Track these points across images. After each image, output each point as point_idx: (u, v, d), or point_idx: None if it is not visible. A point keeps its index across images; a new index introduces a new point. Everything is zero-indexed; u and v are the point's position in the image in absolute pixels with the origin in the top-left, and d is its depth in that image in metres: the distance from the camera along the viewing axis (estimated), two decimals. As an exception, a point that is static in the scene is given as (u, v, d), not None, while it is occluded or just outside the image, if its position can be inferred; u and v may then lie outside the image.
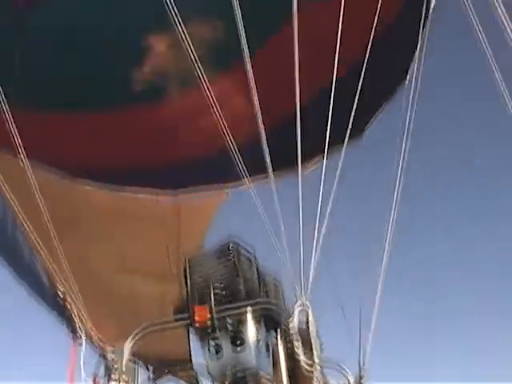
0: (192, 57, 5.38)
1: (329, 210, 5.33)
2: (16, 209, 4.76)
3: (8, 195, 4.79)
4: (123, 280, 5.78)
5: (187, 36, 5.32)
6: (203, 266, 5.14)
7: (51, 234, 4.74)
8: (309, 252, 5.10)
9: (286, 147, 5.73)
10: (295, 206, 5.29)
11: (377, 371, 5.87)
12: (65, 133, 6.90)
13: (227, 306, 4.80)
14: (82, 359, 4.66)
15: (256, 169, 5.61)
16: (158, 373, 4.81)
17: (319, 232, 5.14)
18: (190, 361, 5.69)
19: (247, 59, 5.34)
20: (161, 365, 5.63)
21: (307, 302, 5.04)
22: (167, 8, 5.00)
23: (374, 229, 6.39)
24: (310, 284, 5.04)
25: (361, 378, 5.78)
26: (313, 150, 7.41)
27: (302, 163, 6.93)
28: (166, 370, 4.95)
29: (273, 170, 5.61)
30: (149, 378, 4.62)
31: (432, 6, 6.76)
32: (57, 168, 6.65)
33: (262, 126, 5.45)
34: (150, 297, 5.96)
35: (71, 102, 7.18)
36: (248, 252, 5.33)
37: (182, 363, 5.65)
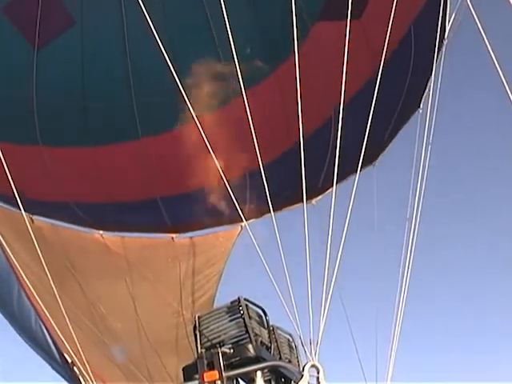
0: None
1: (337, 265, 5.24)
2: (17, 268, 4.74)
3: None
4: (135, 339, 5.74)
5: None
6: (213, 324, 5.09)
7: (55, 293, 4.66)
8: (318, 309, 5.03)
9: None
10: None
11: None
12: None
13: (236, 372, 4.73)
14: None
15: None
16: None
17: (327, 296, 5.06)
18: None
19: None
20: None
21: (317, 364, 4.96)
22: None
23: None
24: (319, 344, 4.97)
25: None
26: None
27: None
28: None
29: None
30: None
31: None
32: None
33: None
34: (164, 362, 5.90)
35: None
36: (259, 308, 5.27)
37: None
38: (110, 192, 7.13)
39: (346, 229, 5.58)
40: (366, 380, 5.87)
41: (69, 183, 7.07)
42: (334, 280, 5.23)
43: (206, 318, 5.18)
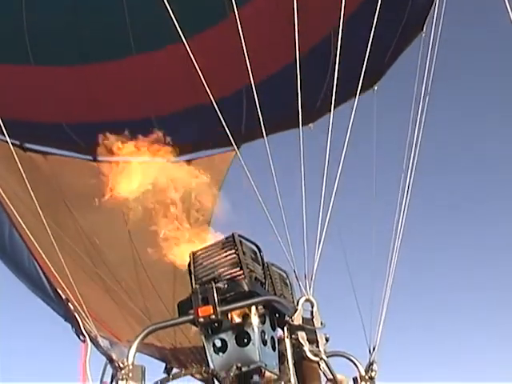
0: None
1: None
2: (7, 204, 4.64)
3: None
4: (131, 275, 5.73)
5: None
6: (207, 261, 5.07)
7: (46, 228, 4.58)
8: (313, 243, 4.99)
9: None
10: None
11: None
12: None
13: (231, 306, 4.75)
14: (88, 361, 4.68)
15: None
16: (172, 370, 4.83)
17: (322, 227, 5.01)
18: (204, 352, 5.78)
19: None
20: (174, 361, 5.72)
21: (312, 298, 4.99)
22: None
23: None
24: (314, 277, 4.97)
25: (371, 364, 5.81)
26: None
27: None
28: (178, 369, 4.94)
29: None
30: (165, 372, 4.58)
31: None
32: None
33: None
34: (160, 294, 5.90)
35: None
36: (253, 244, 5.23)
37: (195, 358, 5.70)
38: (102, 111, 6.89)
39: (344, 152, 5.47)
40: (361, 317, 5.97)
41: (60, 103, 6.83)
42: (330, 208, 5.14)
43: (200, 255, 5.16)
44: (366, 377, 5.78)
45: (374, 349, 6.02)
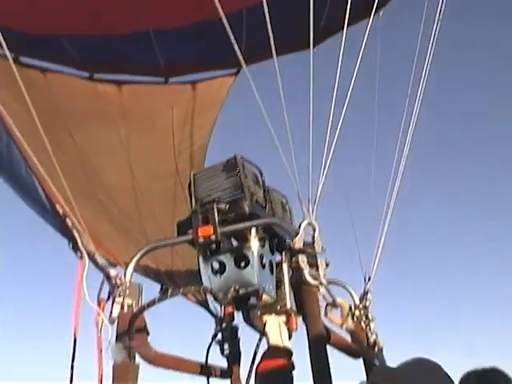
0: None
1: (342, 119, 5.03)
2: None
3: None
4: (129, 191, 5.61)
5: None
6: (208, 181, 4.99)
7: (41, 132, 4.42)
8: (318, 167, 4.90)
9: None
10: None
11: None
12: None
13: (231, 227, 4.69)
14: (84, 281, 4.63)
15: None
16: (167, 290, 4.80)
17: (329, 148, 4.90)
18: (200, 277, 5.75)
19: None
20: (170, 283, 5.68)
21: (314, 222, 4.93)
22: None
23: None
24: (317, 201, 4.89)
25: (365, 293, 5.83)
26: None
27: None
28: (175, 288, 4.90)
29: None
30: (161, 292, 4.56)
31: None
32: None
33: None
34: (159, 219, 5.81)
35: None
36: (255, 166, 5.14)
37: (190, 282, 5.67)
38: (98, 22, 6.51)
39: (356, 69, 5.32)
40: (358, 247, 5.95)
41: (58, 13, 6.46)
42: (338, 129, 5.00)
43: (201, 176, 5.08)
44: (361, 305, 5.83)
45: (369, 279, 6.06)
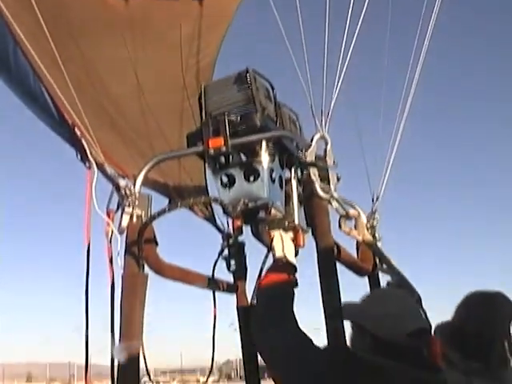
0: None
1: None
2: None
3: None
4: (136, 103, 5.49)
5: None
6: (219, 94, 4.90)
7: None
8: (332, 78, 4.77)
9: None
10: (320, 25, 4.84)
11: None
12: None
13: (242, 139, 4.65)
14: (94, 188, 4.63)
15: None
16: (174, 203, 4.80)
17: (345, 56, 4.74)
18: (207, 192, 5.72)
19: None
20: (177, 195, 5.66)
21: (327, 135, 4.86)
22: None
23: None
24: (330, 114, 4.80)
25: (373, 212, 5.83)
26: None
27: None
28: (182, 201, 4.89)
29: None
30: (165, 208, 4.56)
31: None
32: None
33: None
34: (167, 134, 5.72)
35: None
36: (266, 81, 5.03)
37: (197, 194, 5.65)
38: None
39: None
40: (366, 165, 5.89)
41: None
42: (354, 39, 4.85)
43: (212, 88, 4.99)
44: (368, 225, 5.85)
45: (377, 198, 6.06)
